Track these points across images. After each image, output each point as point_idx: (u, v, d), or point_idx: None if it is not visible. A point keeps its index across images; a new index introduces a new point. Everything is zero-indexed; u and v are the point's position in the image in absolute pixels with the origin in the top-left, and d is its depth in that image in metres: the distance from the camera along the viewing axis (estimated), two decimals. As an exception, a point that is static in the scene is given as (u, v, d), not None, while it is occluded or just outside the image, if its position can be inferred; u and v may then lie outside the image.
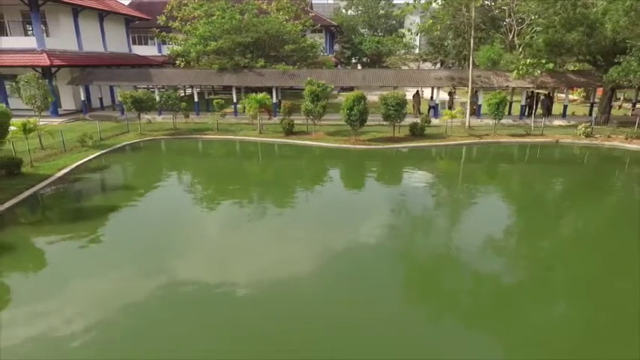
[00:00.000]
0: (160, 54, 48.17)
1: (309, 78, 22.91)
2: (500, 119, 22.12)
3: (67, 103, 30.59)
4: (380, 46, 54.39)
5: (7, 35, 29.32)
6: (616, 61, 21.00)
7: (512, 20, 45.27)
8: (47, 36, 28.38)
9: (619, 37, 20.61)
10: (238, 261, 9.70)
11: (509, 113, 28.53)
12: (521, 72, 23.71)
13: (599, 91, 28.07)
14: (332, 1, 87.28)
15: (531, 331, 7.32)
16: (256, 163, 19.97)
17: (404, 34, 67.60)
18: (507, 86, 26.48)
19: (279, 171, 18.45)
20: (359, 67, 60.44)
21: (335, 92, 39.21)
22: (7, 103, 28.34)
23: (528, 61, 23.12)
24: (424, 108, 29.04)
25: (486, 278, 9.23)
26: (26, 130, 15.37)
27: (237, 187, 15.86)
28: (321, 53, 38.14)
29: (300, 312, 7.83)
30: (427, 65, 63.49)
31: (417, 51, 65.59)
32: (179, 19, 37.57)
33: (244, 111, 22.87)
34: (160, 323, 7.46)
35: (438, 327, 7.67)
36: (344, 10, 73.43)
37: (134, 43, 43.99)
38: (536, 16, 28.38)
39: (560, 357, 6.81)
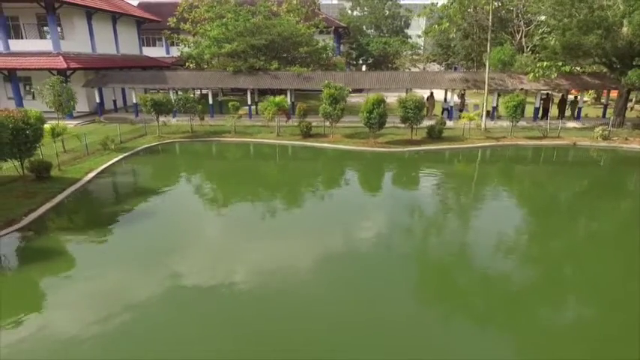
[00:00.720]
0: (168, 55, 48.36)
1: (326, 81, 23.00)
2: (517, 122, 22.21)
3: (81, 104, 30.57)
4: (387, 47, 54.41)
5: (22, 38, 29.47)
6: (634, 64, 21.09)
7: (520, 21, 45.48)
8: (62, 39, 28.50)
9: (637, 41, 20.69)
10: (262, 262, 9.83)
11: (523, 115, 28.56)
12: (537, 75, 23.80)
13: (613, 93, 28.16)
14: (336, 1, 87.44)
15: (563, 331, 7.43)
16: (275, 166, 20.06)
17: (410, 35, 67.92)
18: (522, 89, 26.58)
19: (299, 174, 18.53)
20: (363, 68, 60.58)
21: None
22: (21, 105, 28.56)
23: (545, 63, 23.19)
24: (438, 110, 29.12)
25: (508, 280, 9.35)
26: (54, 134, 15.48)
27: (260, 190, 15.97)
28: (332, 55, 38.23)
29: (332, 312, 7.97)
30: (434, 66, 63.67)
31: (422, 51, 65.73)
32: (190, 21, 37.73)
33: (257, 113, 22.94)
34: (191, 314, 7.61)
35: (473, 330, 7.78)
36: (349, 11, 73.54)
37: (142, 44, 44.06)
38: (548, 18, 28.55)
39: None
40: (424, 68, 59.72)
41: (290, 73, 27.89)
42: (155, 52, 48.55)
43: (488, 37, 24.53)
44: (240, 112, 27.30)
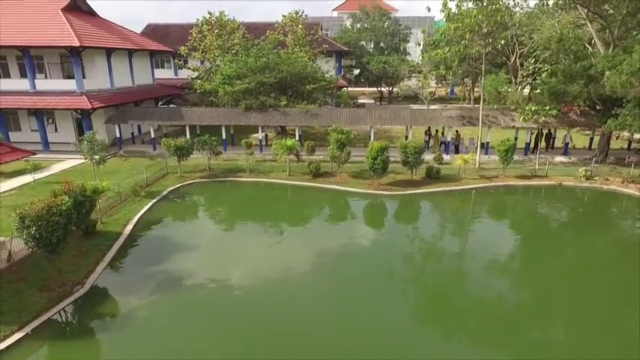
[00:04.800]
0: (176, 77, 50.33)
1: (334, 125, 25.10)
2: (508, 164, 24.32)
3: (101, 136, 32.42)
4: (386, 66, 56.45)
5: (46, 75, 31.45)
6: (613, 112, 23.26)
7: (515, 44, 47.55)
8: (84, 77, 30.40)
9: (618, 92, 22.83)
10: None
11: (513, 157, 30.69)
12: (527, 118, 25.96)
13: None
14: (336, 15, 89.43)
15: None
16: (289, 208, 22.15)
17: (409, 52, 69.97)
18: (513, 126, 28.77)
19: (313, 217, 20.70)
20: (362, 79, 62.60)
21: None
22: (46, 139, 30.58)
23: (533, 108, 25.33)
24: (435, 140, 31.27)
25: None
26: (97, 192, 17.45)
27: (289, 248, 18.05)
28: (337, 79, 40.31)
29: None
30: (432, 82, 65.68)
31: (420, 65, 67.68)
32: (201, 50, 39.78)
33: (267, 143, 24.76)
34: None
35: None
36: (349, 26, 75.45)
37: (152, 66, 45.97)
38: (540, 48, 30.67)
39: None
40: (422, 85, 61.75)
41: (298, 110, 29.94)
42: (164, 73, 50.59)
43: (482, 86, 26.62)
44: (251, 139, 29.09)
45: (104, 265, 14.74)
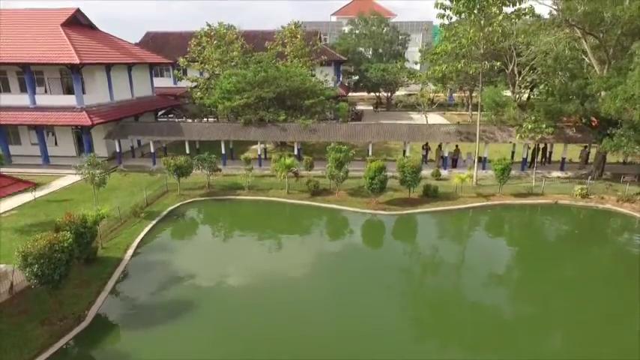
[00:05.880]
0: (175, 85, 50.46)
1: (333, 144, 25.31)
2: (504, 182, 24.53)
3: (101, 150, 32.80)
4: (385, 73, 56.65)
5: (46, 91, 31.62)
6: (609, 132, 23.50)
7: (513, 52, 47.75)
8: (84, 93, 30.51)
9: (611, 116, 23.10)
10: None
11: (512, 161, 31.07)
12: (523, 136, 26.20)
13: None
14: (335, 20, 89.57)
15: None
16: (288, 229, 22.24)
17: (407, 58, 70.15)
18: (510, 142, 29.02)
19: (310, 240, 20.94)
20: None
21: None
22: (47, 153, 30.75)
23: (530, 126, 25.55)
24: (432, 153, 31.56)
25: None
26: (97, 222, 17.61)
27: (287, 271, 18.30)
28: (335, 88, 40.57)
29: None
30: (429, 87, 65.93)
31: (419, 71, 67.89)
32: (200, 61, 39.97)
33: (266, 157, 24.96)
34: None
35: None
36: (345, 29, 75.61)
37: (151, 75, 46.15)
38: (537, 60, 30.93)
39: None
40: (422, 89, 61.96)
41: (296, 125, 30.15)
42: (163, 82, 50.80)
43: (478, 111, 26.85)
44: (250, 152, 29.26)
45: (105, 295, 14.95)
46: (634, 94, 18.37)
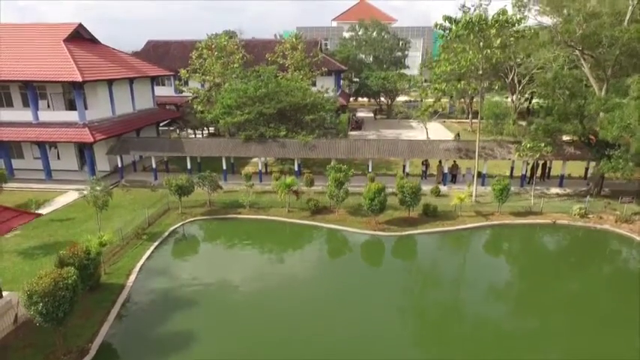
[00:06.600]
0: (176, 95, 50.65)
1: (333, 163, 25.53)
2: (503, 202, 24.71)
3: (102, 164, 33.11)
4: (385, 82, 56.84)
5: (49, 106, 31.88)
6: (607, 153, 23.69)
7: (514, 64, 48.00)
8: (86, 109, 30.72)
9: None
10: None
11: (511, 176, 31.32)
12: (522, 155, 26.40)
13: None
14: (336, 25, 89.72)
15: None
16: (289, 250, 22.42)
17: (408, 65, 70.43)
18: (509, 159, 29.22)
19: (310, 262, 21.18)
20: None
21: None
22: (49, 168, 31.01)
23: (529, 145, 25.73)
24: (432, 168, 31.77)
25: None
26: (102, 244, 17.89)
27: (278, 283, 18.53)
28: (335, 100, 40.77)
29: None
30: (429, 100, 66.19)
31: (419, 79, 68.12)
32: (201, 73, 40.20)
33: (266, 169, 25.12)
34: None
35: None
36: (346, 35, 75.82)
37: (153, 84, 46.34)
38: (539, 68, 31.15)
39: None
40: (421, 100, 62.14)
41: (296, 141, 30.36)
42: (165, 91, 51.16)
43: (478, 128, 27.04)
44: (251, 166, 29.39)
45: (109, 325, 15.17)
46: (630, 124, 18.58)
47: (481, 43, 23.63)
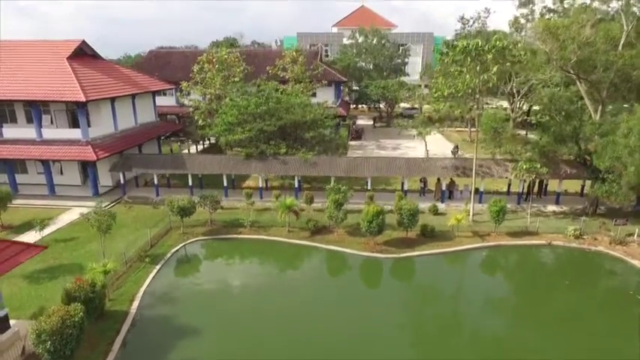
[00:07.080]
0: (177, 105, 51.07)
1: (333, 182, 25.95)
2: (500, 223, 25.15)
3: (105, 179, 33.53)
4: (385, 91, 57.26)
5: (52, 123, 32.30)
6: (601, 176, 24.10)
7: (512, 75, 48.40)
8: (89, 126, 31.13)
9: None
10: None
11: (508, 193, 31.74)
12: (518, 175, 26.83)
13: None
14: (336, 31, 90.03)
15: None
16: (289, 272, 22.93)
17: (408, 73, 70.81)
18: (506, 177, 29.65)
19: (310, 284, 21.60)
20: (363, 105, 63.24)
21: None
22: (52, 184, 31.42)
23: (525, 166, 26.15)
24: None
25: None
26: (106, 272, 18.34)
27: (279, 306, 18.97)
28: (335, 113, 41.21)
29: None
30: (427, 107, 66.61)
31: (419, 85, 68.57)
32: (203, 85, 40.66)
33: (267, 185, 25.50)
34: None
35: None
36: (346, 41, 76.12)
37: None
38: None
39: None
40: (421, 107, 62.57)
41: (297, 158, 30.80)
42: (166, 101, 51.48)
43: (476, 145, 27.46)
44: (251, 180, 29.67)
45: (114, 356, 15.59)
46: (621, 157, 19.02)
47: (478, 67, 24.03)
